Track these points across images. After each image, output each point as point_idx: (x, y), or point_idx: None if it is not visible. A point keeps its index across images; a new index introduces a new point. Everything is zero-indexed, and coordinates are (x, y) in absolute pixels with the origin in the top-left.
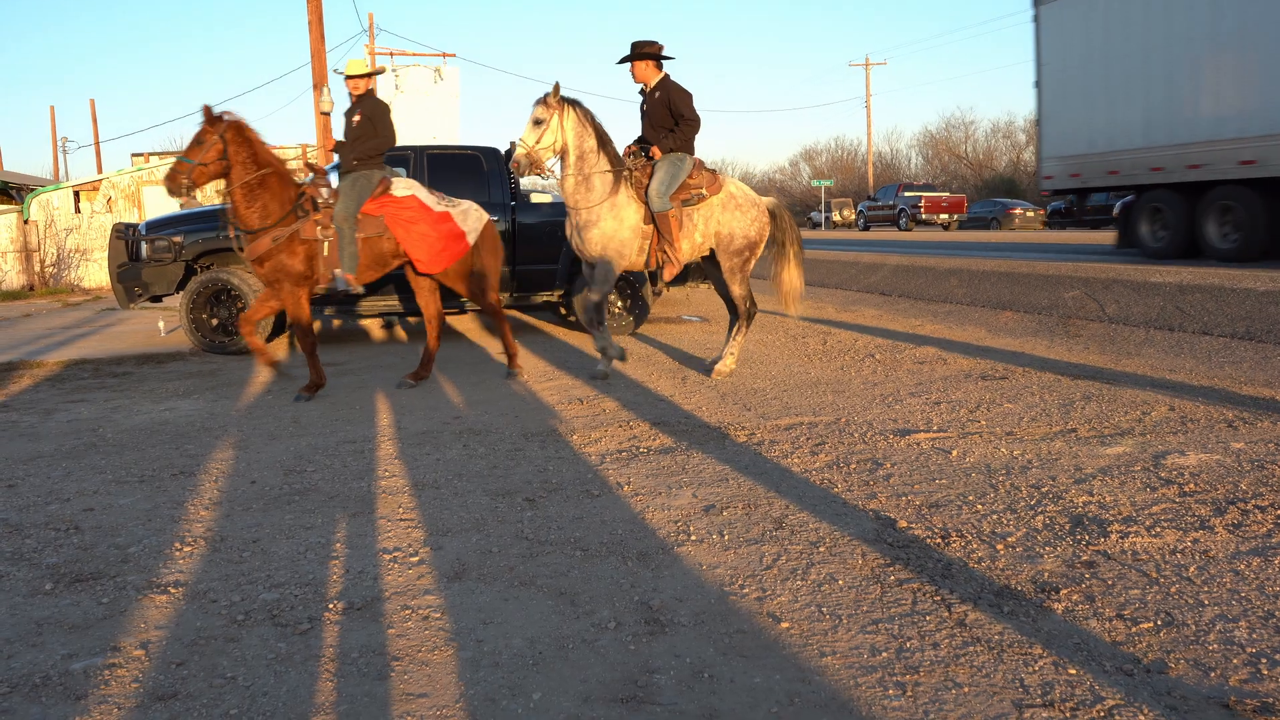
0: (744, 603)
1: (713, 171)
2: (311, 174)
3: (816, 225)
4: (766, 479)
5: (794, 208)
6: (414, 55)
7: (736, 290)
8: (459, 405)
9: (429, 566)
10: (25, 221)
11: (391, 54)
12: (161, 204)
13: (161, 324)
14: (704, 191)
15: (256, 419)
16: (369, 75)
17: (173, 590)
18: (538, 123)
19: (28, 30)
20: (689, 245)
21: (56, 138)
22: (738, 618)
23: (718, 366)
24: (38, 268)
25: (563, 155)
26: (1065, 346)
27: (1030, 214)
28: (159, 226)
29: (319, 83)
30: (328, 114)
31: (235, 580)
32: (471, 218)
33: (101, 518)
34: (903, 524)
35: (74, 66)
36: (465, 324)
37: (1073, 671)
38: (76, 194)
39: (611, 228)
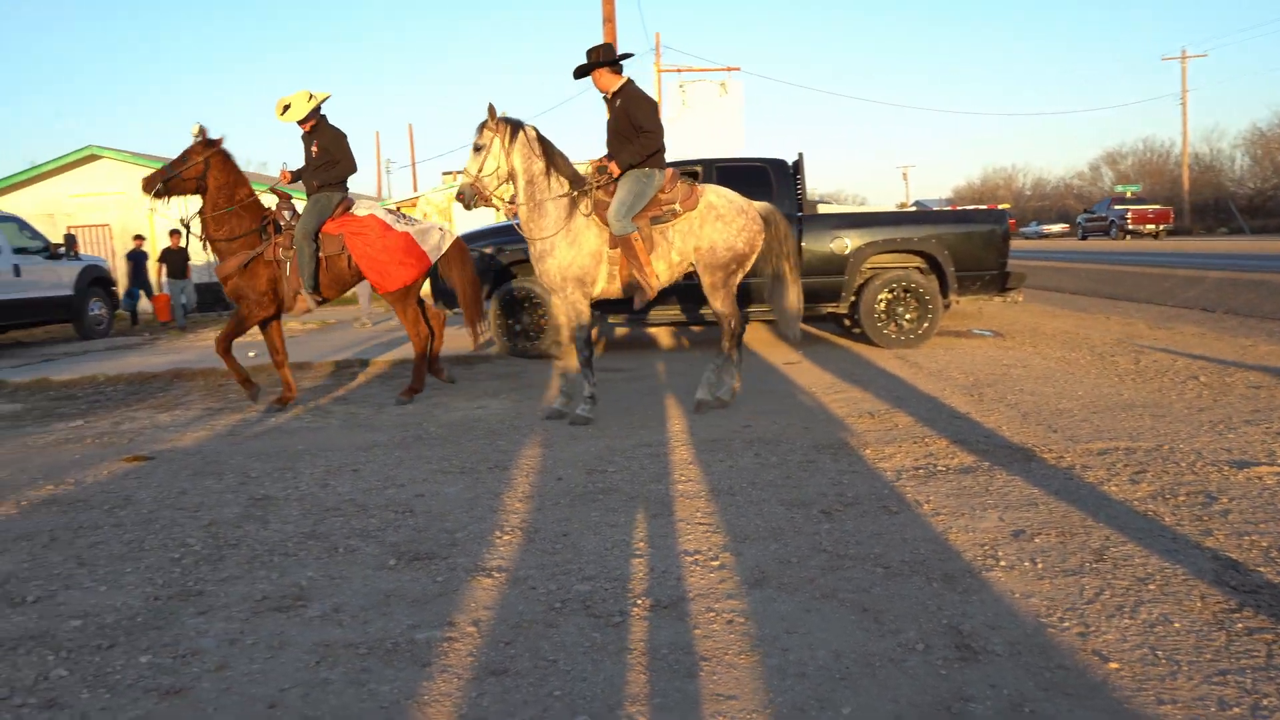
0: (1065, 637)
1: (690, 183)
2: (277, 199)
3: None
4: (1081, 506)
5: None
6: (700, 70)
7: (720, 307)
8: (748, 413)
9: (730, 571)
10: None
11: (679, 70)
12: (470, 218)
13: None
14: (678, 207)
15: (558, 420)
16: (309, 118)
17: (496, 574)
18: (478, 149)
19: (364, 69)
20: (665, 266)
21: (380, 160)
22: (1058, 652)
23: (720, 395)
24: None
25: (513, 181)
26: None
27: None
28: (472, 239)
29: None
30: None
31: (550, 570)
32: (433, 237)
33: (431, 503)
34: (1249, 566)
35: (396, 95)
36: (749, 333)
37: None
38: (398, 209)
39: (568, 257)
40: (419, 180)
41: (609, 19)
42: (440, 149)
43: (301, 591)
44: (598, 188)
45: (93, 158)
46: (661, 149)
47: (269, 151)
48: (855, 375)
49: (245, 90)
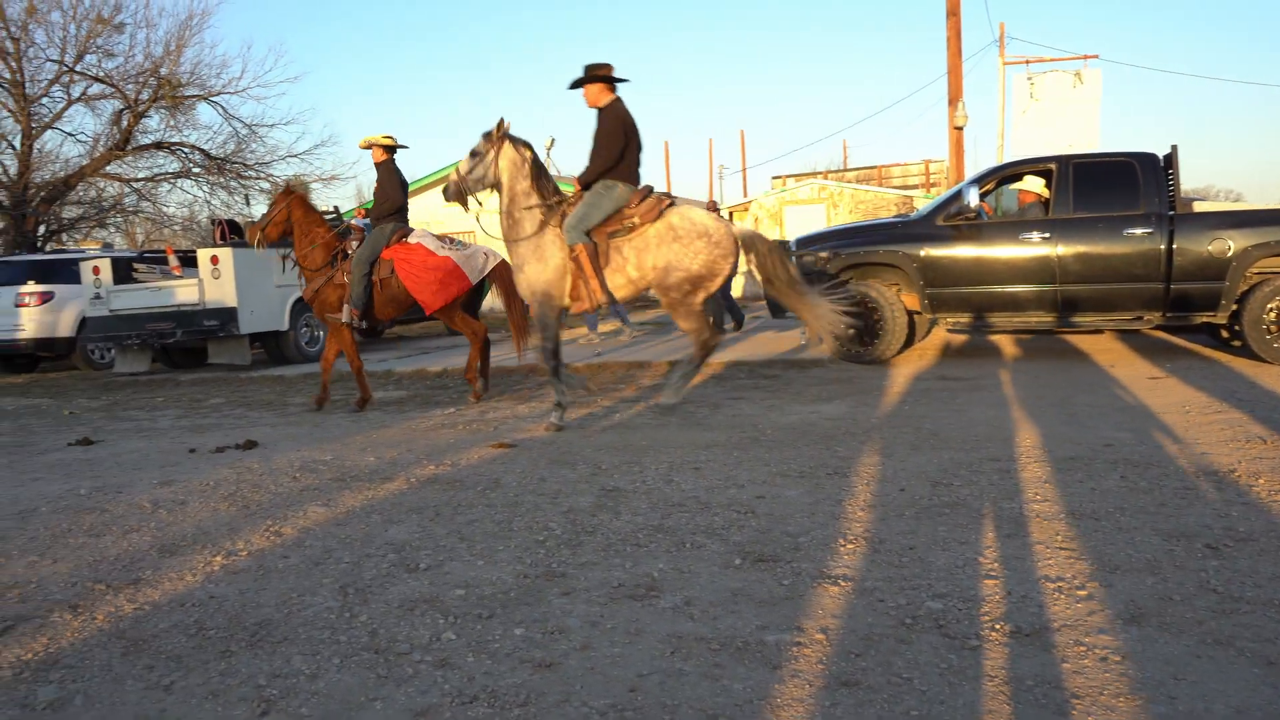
0: None
1: (661, 199)
2: (350, 229)
3: None
4: None
5: None
6: (1050, 61)
7: (683, 324)
8: (1110, 431)
9: (1099, 604)
10: None
11: (1027, 61)
12: (802, 221)
13: (803, 332)
14: (635, 222)
15: (896, 428)
16: (377, 147)
17: (842, 583)
18: (474, 154)
19: (698, 74)
20: (624, 280)
21: (713, 166)
22: None
23: (660, 398)
24: None
25: (498, 191)
26: None
27: None
28: (809, 243)
29: (954, 98)
30: (961, 128)
31: (898, 583)
32: (477, 260)
33: (772, 506)
34: None
35: (729, 101)
36: (1096, 344)
37: None
38: (730, 215)
39: (535, 271)
40: (749, 185)
41: (953, 12)
42: (771, 153)
43: (653, 582)
44: (567, 204)
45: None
46: (619, 165)
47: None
48: (1237, 394)
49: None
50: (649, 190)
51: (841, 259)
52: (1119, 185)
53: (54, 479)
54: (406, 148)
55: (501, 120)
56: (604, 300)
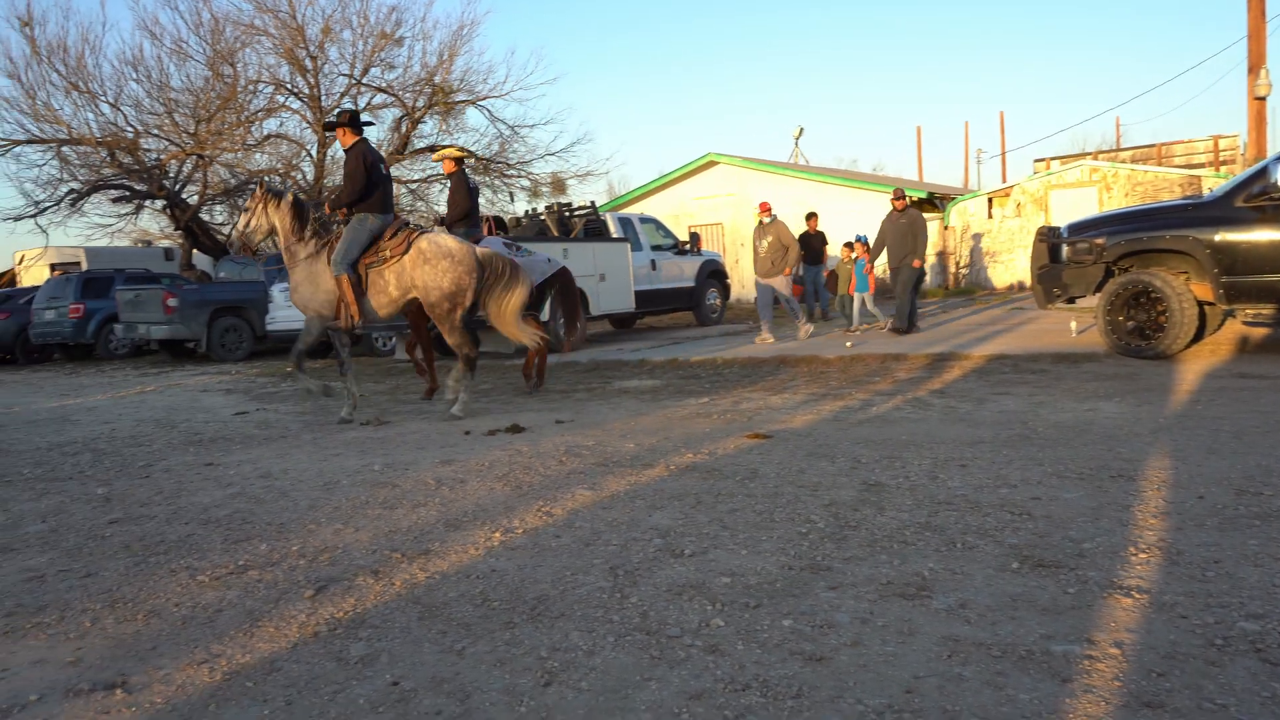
0: None
1: (412, 229)
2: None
3: None
4: None
5: None
6: None
7: (449, 339)
8: None
9: None
10: (945, 228)
11: None
12: (1070, 207)
13: (1074, 324)
14: (387, 254)
15: (1188, 429)
16: (448, 159)
17: (1135, 595)
18: (245, 210)
19: (954, 57)
20: (386, 300)
21: (969, 150)
22: None
23: (453, 410)
24: (952, 269)
25: (275, 235)
26: None
27: None
28: (1081, 229)
29: (1255, 65)
30: (1263, 99)
31: (1202, 599)
32: (539, 267)
33: (1049, 508)
34: None
35: (987, 82)
36: None
37: None
38: (990, 200)
39: (308, 292)
40: (1009, 169)
41: None
42: (1033, 135)
43: (924, 582)
44: (333, 238)
45: (711, 164)
46: (370, 199)
47: (859, 149)
48: None
49: (833, 90)
50: (402, 224)
51: (1121, 246)
52: None
53: (351, 455)
54: (474, 155)
55: (262, 180)
56: (359, 322)
